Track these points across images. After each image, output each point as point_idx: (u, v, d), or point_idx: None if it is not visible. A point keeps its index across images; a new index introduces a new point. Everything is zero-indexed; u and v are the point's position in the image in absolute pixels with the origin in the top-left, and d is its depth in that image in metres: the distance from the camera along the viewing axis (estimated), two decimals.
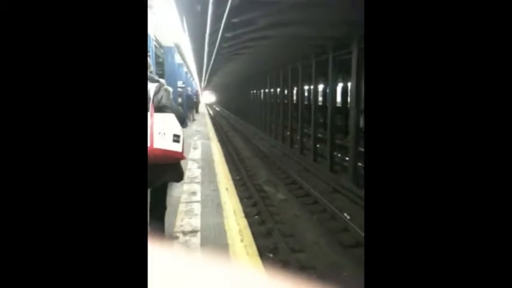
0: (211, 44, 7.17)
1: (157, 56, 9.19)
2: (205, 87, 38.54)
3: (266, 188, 6.98)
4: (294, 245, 4.36)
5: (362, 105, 6.69)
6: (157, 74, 8.04)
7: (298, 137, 10.70)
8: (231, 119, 26.07)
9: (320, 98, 12.92)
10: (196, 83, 29.11)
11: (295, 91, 11.62)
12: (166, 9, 6.27)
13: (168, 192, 2.28)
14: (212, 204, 3.61)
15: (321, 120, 11.52)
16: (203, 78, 22.76)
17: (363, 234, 4.25)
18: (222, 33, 5.64)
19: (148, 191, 2.12)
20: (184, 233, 2.84)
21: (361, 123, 6.97)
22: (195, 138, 8.89)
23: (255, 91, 18.77)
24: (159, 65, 10.31)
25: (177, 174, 2.15)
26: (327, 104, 9.07)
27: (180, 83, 11.89)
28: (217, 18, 5.01)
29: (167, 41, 9.26)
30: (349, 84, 10.20)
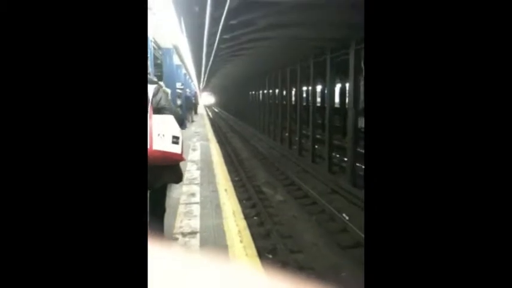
0: (210, 45, 7.17)
1: (155, 58, 9.18)
2: (204, 89, 38.50)
3: (265, 189, 6.98)
4: (292, 246, 4.36)
5: (360, 106, 6.70)
6: (155, 75, 8.03)
7: (297, 138, 10.69)
8: (229, 120, 26.06)
9: (318, 99, 12.93)
10: (195, 85, 29.09)
11: (293, 92, 11.62)
12: (165, 11, 6.27)
13: (167, 193, 2.28)
14: (211, 205, 3.61)
15: (320, 121, 11.52)
16: (202, 79, 22.73)
17: (362, 235, 4.25)
18: (220, 34, 5.64)
19: (148, 192, 2.12)
20: (184, 235, 2.83)
21: (359, 124, 6.98)
22: (194, 139, 8.88)
23: (253, 92, 18.77)
24: (158, 66, 10.30)
25: (176, 176, 2.15)
26: (325, 105, 9.07)
27: (178, 85, 11.88)
28: (215, 19, 5.01)
29: (165, 43, 9.25)
30: (347, 85, 10.21)
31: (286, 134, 11.90)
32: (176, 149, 1.96)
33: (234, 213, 3.37)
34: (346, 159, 7.49)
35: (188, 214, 3.32)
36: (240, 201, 4.28)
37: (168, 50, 9.84)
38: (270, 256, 4.07)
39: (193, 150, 7.31)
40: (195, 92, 22.51)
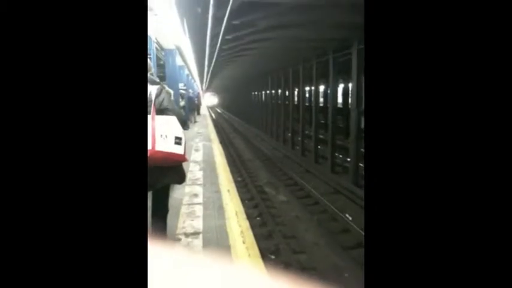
0: (212, 46, 7.18)
1: (158, 59, 9.20)
2: (207, 89, 38.57)
3: (267, 189, 6.98)
4: (295, 246, 4.35)
5: (363, 106, 6.69)
6: (158, 76, 8.05)
7: (300, 138, 10.69)
8: (232, 120, 26.08)
9: (321, 99, 12.91)
10: (197, 85, 29.14)
11: (296, 92, 11.61)
12: (167, 11, 6.29)
13: (170, 194, 2.28)
14: (214, 206, 3.61)
15: (322, 122, 11.51)
16: (204, 80, 22.77)
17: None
18: (223, 35, 5.65)
19: (150, 193, 2.13)
20: (187, 235, 2.84)
21: (362, 124, 6.96)
22: (197, 140, 8.89)
23: (256, 93, 18.78)
24: (160, 67, 10.32)
25: (179, 176, 2.16)
26: (328, 105, 9.06)
27: (181, 85, 11.90)
28: (217, 20, 5.02)
29: (168, 43, 9.27)
30: (350, 85, 10.20)
31: (289, 135, 11.90)
32: (179, 149, 1.96)
33: (236, 213, 3.37)
34: (349, 159, 7.48)
35: (191, 215, 3.32)
36: (243, 201, 4.28)
37: (170, 50, 9.86)
38: (273, 257, 4.07)
39: (196, 150, 7.32)
40: (198, 93, 22.53)
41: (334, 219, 5.25)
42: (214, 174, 5.13)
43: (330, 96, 8.69)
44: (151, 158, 1.82)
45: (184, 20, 7.50)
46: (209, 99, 54.33)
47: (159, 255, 0.26)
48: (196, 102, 16.19)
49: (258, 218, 5.26)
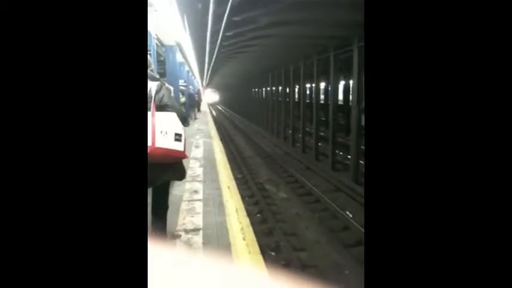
0: (213, 42, 7.16)
1: (158, 55, 9.18)
2: (207, 86, 38.54)
3: (268, 186, 6.98)
4: (295, 244, 4.36)
5: (363, 104, 6.68)
6: (158, 72, 8.04)
7: (300, 136, 10.69)
8: (232, 117, 26.08)
9: (322, 96, 12.90)
10: (198, 82, 29.11)
11: (296, 89, 11.60)
12: (168, 7, 6.26)
13: (170, 190, 2.29)
14: (214, 202, 3.62)
15: (323, 119, 11.50)
16: (205, 76, 22.75)
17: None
18: (224, 31, 5.63)
19: (151, 190, 2.13)
20: (187, 231, 2.84)
21: (363, 122, 6.95)
22: (197, 137, 8.89)
23: (256, 90, 18.77)
24: (161, 63, 10.30)
25: (179, 173, 2.16)
26: (329, 102, 9.05)
27: (181, 82, 11.88)
28: (218, 16, 5.01)
29: (168, 40, 9.25)
30: (350, 82, 10.18)
31: (290, 132, 11.90)
32: (179, 146, 1.96)
33: (237, 210, 3.38)
34: (349, 156, 7.48)
35: (191, 211, 3.33)
36: (243, 198, 4.29)
37: (171, 47, 9.83)
38: (273, 254, 4.08)
39: (196, 147, 7.32)
40: (198, 90, 22.51)
41: (335, 217, 5.25)
42: (214, 171, 5.13)
43: (331, 93, 8.67)
44: (151, 154, 1.82)
45: (185, 16, 7.48)
46: (209, 96, 54.23)
47: (159, 255, 0.25)
48: (196, 98, 16.18)
49: (258, 215, 5.27)
